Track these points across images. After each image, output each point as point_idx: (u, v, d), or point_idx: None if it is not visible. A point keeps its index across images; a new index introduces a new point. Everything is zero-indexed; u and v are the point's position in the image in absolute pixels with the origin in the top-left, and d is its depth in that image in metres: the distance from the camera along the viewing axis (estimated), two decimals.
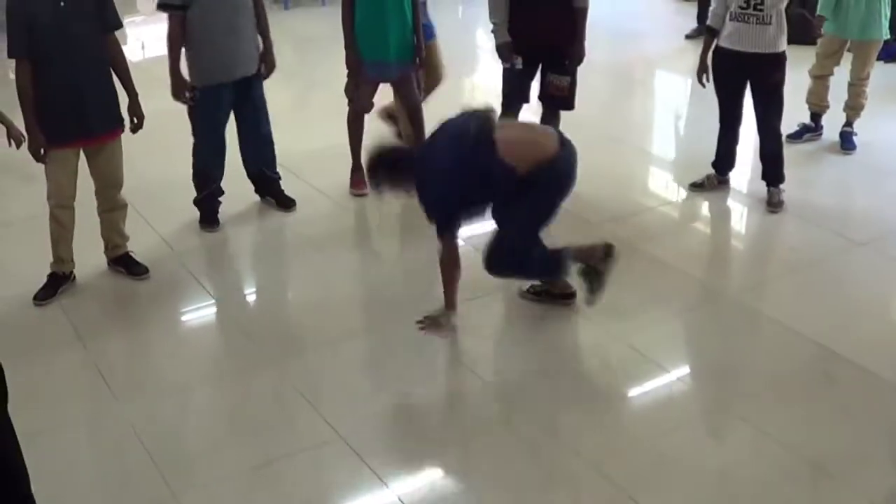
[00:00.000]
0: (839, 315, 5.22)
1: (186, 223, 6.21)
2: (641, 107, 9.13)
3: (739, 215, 6.57)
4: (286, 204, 6.46)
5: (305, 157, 7.00)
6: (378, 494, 3.97)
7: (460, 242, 4.93)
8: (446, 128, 4.93)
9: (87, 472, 4.20)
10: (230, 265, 6.09)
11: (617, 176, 6.97)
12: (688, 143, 7.89)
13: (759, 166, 6.42)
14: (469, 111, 4.96)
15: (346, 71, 6.36)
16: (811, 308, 5.27)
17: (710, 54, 6.27)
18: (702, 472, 4.04)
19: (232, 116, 6.09)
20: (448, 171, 4.75)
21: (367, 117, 6.51)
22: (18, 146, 5.40)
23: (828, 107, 7.38)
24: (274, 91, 6.37)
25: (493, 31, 6.22)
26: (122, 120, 5.38)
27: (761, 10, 5.90)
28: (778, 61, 6.07)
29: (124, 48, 5.43)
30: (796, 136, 7.33)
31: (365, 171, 5.17)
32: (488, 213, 4.99)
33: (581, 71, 6.29)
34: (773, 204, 6.32)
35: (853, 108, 7.26)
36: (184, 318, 5.42)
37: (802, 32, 7.25)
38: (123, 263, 5.64)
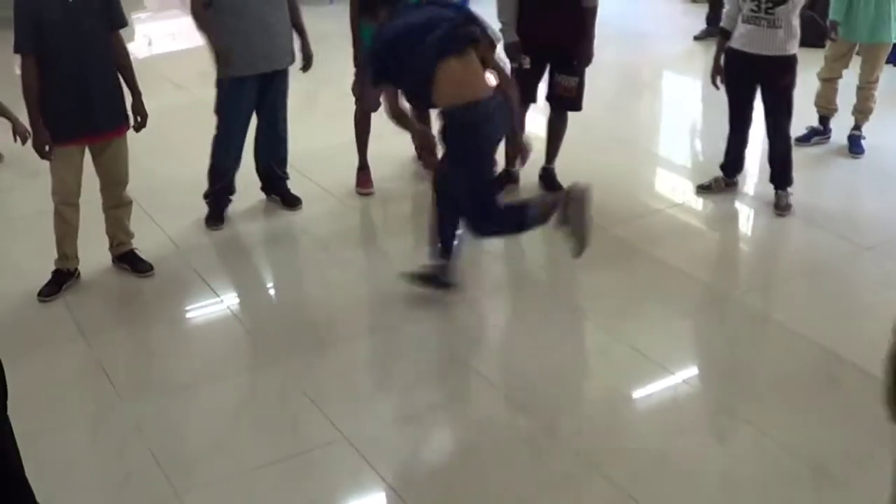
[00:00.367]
0: (845, 319, 5.21)
1: (192, 221, 6.21)
2: (649, 108, 9.11)
3: (746, 218, 6.55)
4: (292, 203, 6.46)
5: (312, 155, 6.99)
6: (381, 495, 3.97)
7: None
8: (432, 8, 5.05)
9: (90, 470, 4.19)
10: (235, 263, 6.07)
11: (624, 177, 6.95)
12: (695, 145, 7.87)
13: (767, 169, 6.40)
14: (457, 20, 4.93)
15: (353, 69, 6.36)
16: (817, 311, 5.25)
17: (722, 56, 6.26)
18: (704, 474, 4.03)
19: None
20: (391, 38, 4.90)
21: (373, 116, 6.50)
22: (24, 142, 5.41)
23: (836, 110, 7.36)
24: None
25: (501, 31, 6.20)
26: (127, 117, 5.39)
27: (772, 14, 5.88)
28: (788, 64, 6.04)
29: (131, 45, 5.43)
30: (804, 140, 7.31)
31: None
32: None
33: (589, 72, 6.28)
34: (781, 207, 6.30)
35: (862, 111, 7.23)
36: (188, 316, 5.43)
37: (811, 35, 7.22)
38: (128, 260, 5.64)
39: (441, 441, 4.31)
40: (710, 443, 4.33)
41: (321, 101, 8.30)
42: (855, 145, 7.28)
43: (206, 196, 6.22)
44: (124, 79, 5.37)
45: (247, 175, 6.31)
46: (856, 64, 7.22)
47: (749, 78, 6.18)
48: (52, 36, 4.99)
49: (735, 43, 6.13)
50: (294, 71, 6.15)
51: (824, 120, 7.43)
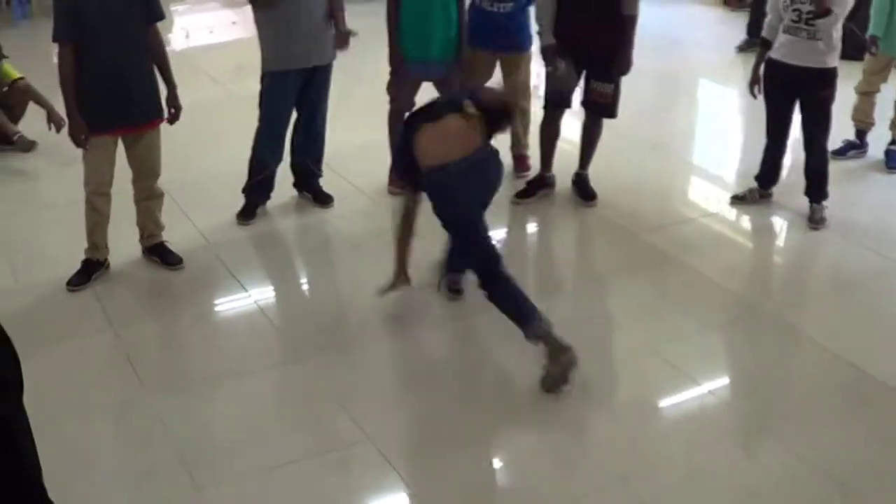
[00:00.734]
0: (877, 337, 5.14)
1: (223, 216, 6.21)
2: (685, 116, 9.04)
3: (780, 230, 6.48)
4: (323, 200, 6.45)
5: (345, 153, 6.98)
6: (403, 497, 3.95)
7: None
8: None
9: (112, 460, 4.21)
10: (265, 259, 6.07)
11: (658, 185, 6.92)
12: (731, 155, 7.81)
13: (803, 182, 6.34)
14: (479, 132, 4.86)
15: (388, 68, 6.35)
16: (849, 328, 5.19)
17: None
18: (730, 490, 3.98)
19: None
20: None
21: None
22: (59, 130, 5.44)
23: (873, 124, 7.29)
24: None
25: (538, 33, 6.19)
26: (162, 110, 5.39)
27: (812, 25, 5.82)
28: (827, 77, 5.97)
29: (168, 37, 5.43)
30: (841, 153, 7.24)
31: None
32: None
33: (626, 79, 6.23)
34: (815, 221, 6.24)
35: None
36: (217, 310, 5.43)
37: (850, 47, 7.13)
38: (158, 253, 5.65)
39: (465, 446, 4.28)
40: (738, 457, 4.29)
41: (355, 99, 8.29)
42: (891, 160, 7.20)
43: (244, 190, 6.22)
44: (160, 71, 5.38)
45: (279, 171, 6.31)
46: (894, 78, 7.16)
47: (788, 89, 6.12)
48: (91, 26, 5.01)
49: (775, 53, 6.07)
50: None
51: (861, 134, 7.36)
